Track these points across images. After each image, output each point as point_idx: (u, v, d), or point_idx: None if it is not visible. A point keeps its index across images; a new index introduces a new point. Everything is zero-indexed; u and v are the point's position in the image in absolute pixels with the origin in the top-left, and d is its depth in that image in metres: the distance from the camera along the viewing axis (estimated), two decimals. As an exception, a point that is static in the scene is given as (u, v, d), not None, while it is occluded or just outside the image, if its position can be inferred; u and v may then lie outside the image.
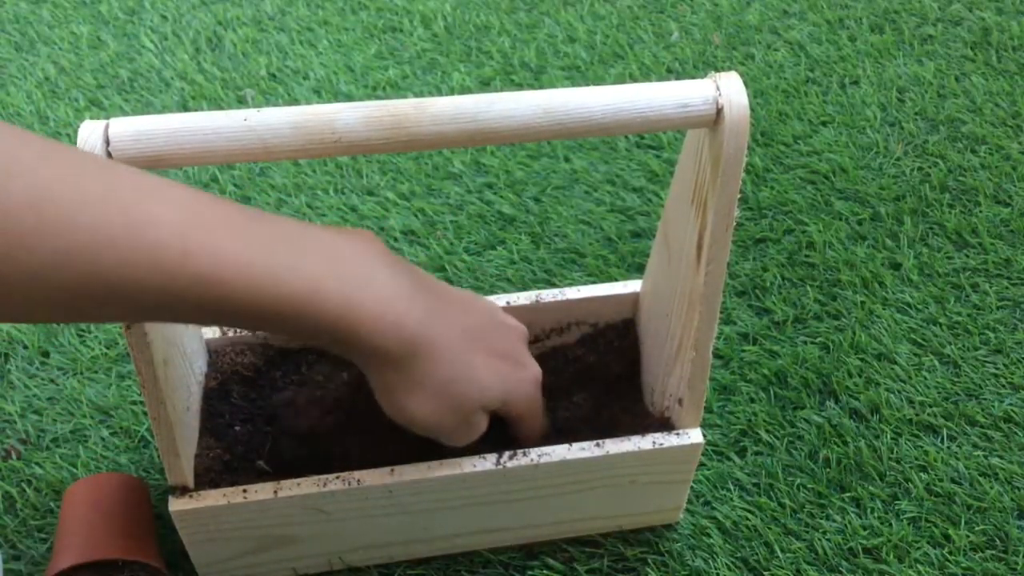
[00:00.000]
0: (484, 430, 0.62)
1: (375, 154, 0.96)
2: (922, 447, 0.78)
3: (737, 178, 0.55)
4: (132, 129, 0.51)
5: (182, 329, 0.65)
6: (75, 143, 0.50)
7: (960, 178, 1.00)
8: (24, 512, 0.74)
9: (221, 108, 1.07)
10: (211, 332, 0.71)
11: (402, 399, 0.57)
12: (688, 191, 0.59)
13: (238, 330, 0.71)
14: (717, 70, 1.13)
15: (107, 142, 0.50)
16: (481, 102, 0.52)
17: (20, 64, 1.12)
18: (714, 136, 0.55)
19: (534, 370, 0.64)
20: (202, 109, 1.07)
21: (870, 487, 0.76)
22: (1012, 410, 0.80)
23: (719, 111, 0.54)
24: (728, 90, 0.54)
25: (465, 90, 1.10)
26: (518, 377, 0.62)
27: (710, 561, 0.72)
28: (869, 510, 0.74)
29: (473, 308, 0.61)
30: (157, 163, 0.51)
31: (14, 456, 0.77)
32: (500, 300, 0.74)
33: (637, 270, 0.91)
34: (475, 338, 0.59)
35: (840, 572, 0.71)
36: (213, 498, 0.62)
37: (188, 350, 0.66)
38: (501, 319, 0.63)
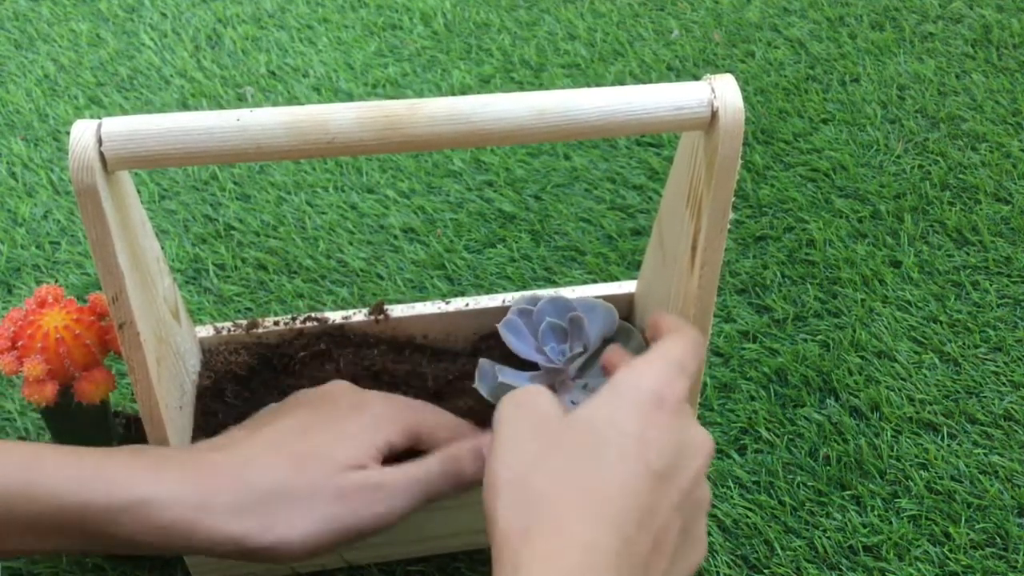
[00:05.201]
0: None
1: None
2: (922, 445, 0.78)
3: (732, 181, 0.55)
4: (125, 129, 0.50)
5: (175, 327, 0.65)
6: (69, 142, 0.50)
7: (960, 176, 1.00)
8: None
9: (221, 106, 1.07)
10: (205, 331, 0.71)
11: None
12: (683, 193, 0.59)
13: (232, 329, 0.71)
14: (717, 68, 1.13)
15: (100, 142, 0.50)
16: (475, 104, 0.52)
17: (20, 62, 1.12)
18: (709, 139, 0.55)
19: None
20: (202, 107, 1.07)
21: (870, 485, 0.75)
22: (1012, 408, 0.80)
23: (714, 114, 0.53)
24: (723, 92, 0.53)
25: (465, 88, 1.10)
26: None
27: (710, 559, 0.71)
28: (869, 508, 0.74)
29: None
30: (150, 163, 0.51)
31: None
32: (498, 299, 0.73)
33: (637, 268, 0.91)
34: None
35: (840, 570, 0.71)
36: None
37: (182, 349, 0.66)
38: None
